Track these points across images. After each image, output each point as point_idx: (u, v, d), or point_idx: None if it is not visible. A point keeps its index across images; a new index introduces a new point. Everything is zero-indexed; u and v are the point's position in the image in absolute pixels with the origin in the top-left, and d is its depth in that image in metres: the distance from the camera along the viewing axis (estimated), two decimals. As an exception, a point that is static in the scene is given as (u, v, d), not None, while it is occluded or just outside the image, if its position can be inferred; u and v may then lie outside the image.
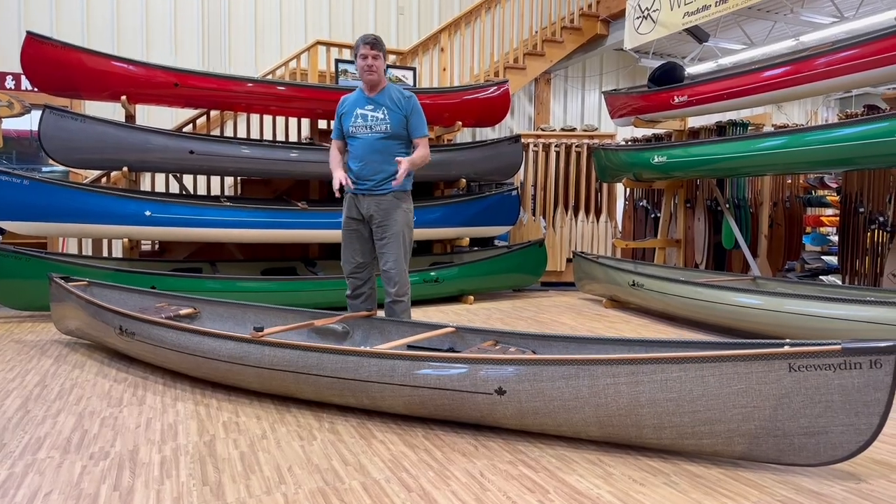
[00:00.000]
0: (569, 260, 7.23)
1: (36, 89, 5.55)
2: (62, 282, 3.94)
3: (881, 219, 5.43)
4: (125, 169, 5.43)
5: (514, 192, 6.59)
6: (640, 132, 7.97)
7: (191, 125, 6.83)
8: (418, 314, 5.05)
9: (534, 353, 2.90)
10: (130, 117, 5.83)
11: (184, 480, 2.10)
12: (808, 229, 8.14)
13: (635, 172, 6.15)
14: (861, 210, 5.67)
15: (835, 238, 7.85)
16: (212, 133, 6.92)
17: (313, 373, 2.70)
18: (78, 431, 2.53)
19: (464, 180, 6.70)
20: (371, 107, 3.59)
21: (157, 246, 6.61)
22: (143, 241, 6.20)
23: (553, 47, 8.67)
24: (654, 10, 6.94)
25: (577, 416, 2.30)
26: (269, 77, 7.16)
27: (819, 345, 2.04)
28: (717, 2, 6.18)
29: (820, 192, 7.79)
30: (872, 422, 1.98)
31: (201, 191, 6.79)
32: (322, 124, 7.12)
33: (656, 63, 7.88)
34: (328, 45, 7.45)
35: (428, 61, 8.01)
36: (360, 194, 3.62)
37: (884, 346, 1.95)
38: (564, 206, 7.31)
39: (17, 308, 4.86)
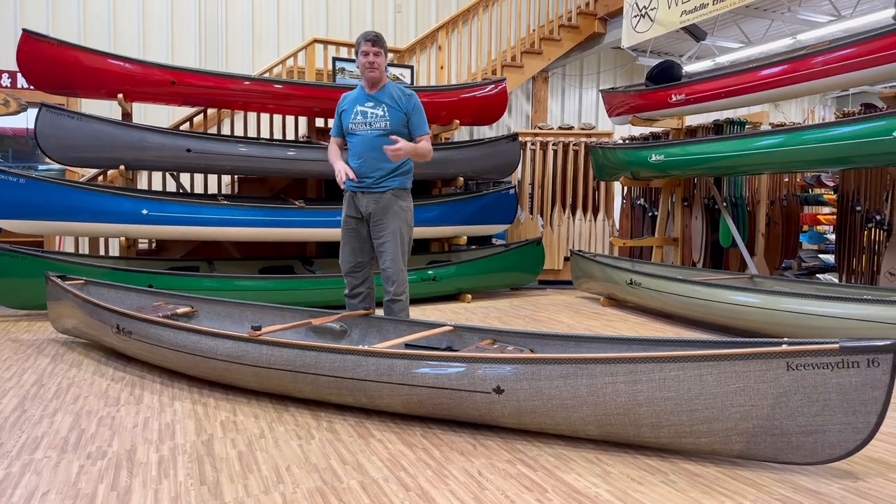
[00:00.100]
0: (566, 258, 7.23)
1: (32, 87, 5.53)
2: (59, 280, 3.93)
3: (878, 217, 5.45)
4: (122, 167, 5.41)
5: (512, 191, 6.59)
6: (638, 130, 7.97)
7: (188, 123, 6.81)
8: (416, 313, 5.05)
9: (532, 351, 2.91)
10: (127, 115, 5.81)
11: (181, 480, 2.09)
12: (805, 228, 8.16)
13: (633, 171, 6.16)
14: (858, 208, 5.68)
15: (832, 236, 7.87)
16: (209, 131, 6.90)
17: (311, 372, 2.70)
18: (75, 431, 2.53)
19: (461, 179, 6.69)
20: (371, 104, 3.58)
21: (154, 244, 6.59)
22: (140, 240, 6.18)
23: (551, 45, 8.67)
24: (652, 9, 6.94)
25: (576, 414, 2.30)
26: (267, 75, 7.15)
27: (817, 343, 2.04)
28: (714, 0, 6.17)
29: (817, 191, 7.81)
30: (870, 420, 1.99)
31: (198, 189, 6.78)
32: (319, 122, 7.10)
33: (654, 61, 7.89)
34: (325, 43, 7.43)
35: (425, 59, 8.00)
36: (359, 192, 3.61)
37: (881, 344, 1.95)
38: (562, 205, 7.32)
39: (14, 307, 4.85)
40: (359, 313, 3.57)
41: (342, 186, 3.58)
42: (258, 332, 2.88)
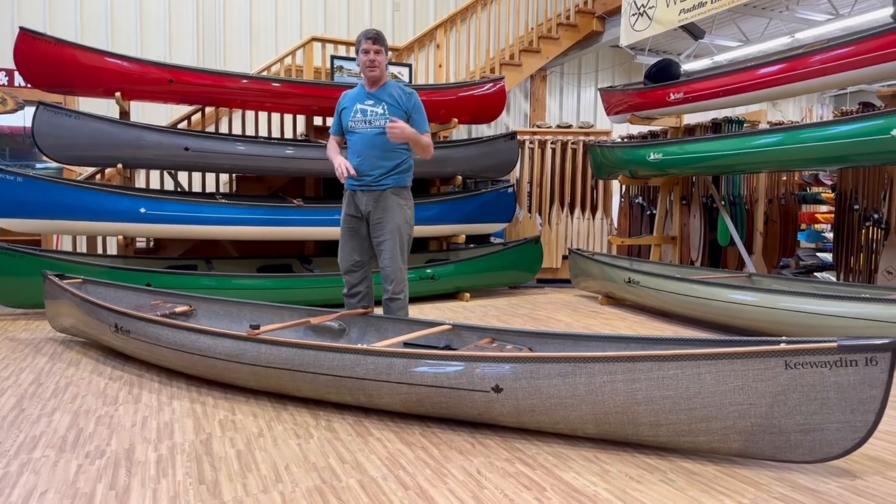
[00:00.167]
0: (565, 257, 7.23)
1: (29, 85, 5.51)
2: (57, 279, 3.92)
3: (876, 216, 5.46)
4: (120, 166, 5.40)
5: (510, 190, 6.59)
6: (636, 129, 7.98)
7: (186, 122, 6.80)
8: (414, 311, 5.04)
9: (530, 350, 2.91)
10: (125, 114, 5.79)
11: (180, 479, 2.09)
12: (803, 226, 8.18)
13: (631, 169, 6.16)
14: (856, 207, 5.69)
15: (829, 235, 7.88)
16: (207, 130, 6.89)
17: (310, 371, 2.69)
18: (73, 430, 2.52)
19: (460, 177, 6.69)
20: (371, 102, 3.57)
21: (151, 243, 6.58)
22: (137, 239, 6.18)
23: (549, 44, 8.66)
24: (650, 7, 6.94)
25: (574, 413, 2.30)
26: (265, 74, 7.14)
27: (815, 342, 2.05)
28: (712, -1, 6.17)
29: (815, 190, 7.82)
30: (868, 419, 1.99)
31: (196, 188, 6.77)
32: (317, 121, 7.10)
33: (652, 60, 7.88)
34: (323, 41, 7.42)
35: (424, 58, 7.99)
36: (359, 190, 3.60)
37: (879, 343, 1.95)
38: (560, 203, 7.32)
39: (12, 306, 4.84)
40: (357, 312, 3.57)
41: (342, 181, 3.57)
42: (256, 331, 2.88)
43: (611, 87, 7.13)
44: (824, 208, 8.49)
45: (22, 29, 5.16)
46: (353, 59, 7.24)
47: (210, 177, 6.82)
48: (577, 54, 9.72)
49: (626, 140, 7.78)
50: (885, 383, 1.96)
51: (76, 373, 3.34)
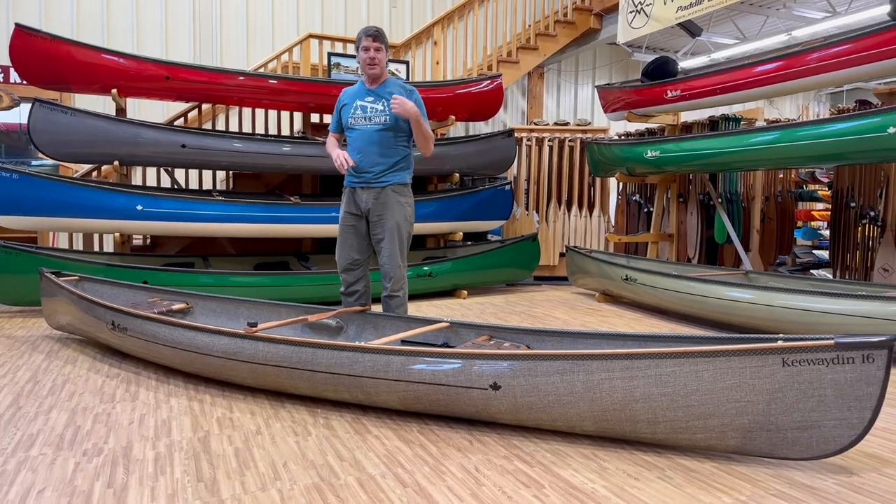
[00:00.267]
0: (562, 254, 7.24)
1: (25, 82, 5.49)
2: (53, 276, 3.91)
3: (872, 213, 5.47)
4: (116, 163, 5.38)
5: (508, 187, 6.59)
6: (634, 126, 7.98)
7: (182, 119, 6.78)
8: (412, 309, 5.03)
9: (528, 348, 2.91)
10: (121, 111, 5.78)
11: (178, 477, 2.09)
12: (800, 224, 8.20)
13: (628, 167, 6.16)
14: (852, 205, 5.71)
15: (826, 232, 7.90)
16: (204, 127, 6.88)
17: (308, 368, 2.69)
18: (70, 428, 2.52)
19: (457, 175, 6.69)
20: (371, 98, 3.57)
21: (148, 240, 6.57)
22: (134, 236, 6.16)
23: (546, 41, 8.66)
24: (648, 5, 6.94)
25: (572, 410, 2.31)
26: (262, 70, 7.12)
27: (812, 339, 2.05)
28: (710, -4, 6.18)
29: (811, 187, 7.83)
30: (864, 416, 2.00)
31: (193, 185, 6.75)
32: (315, 118, 7.08)
33: (649, 57, 7.89)
34: (320, 38, 7.41)
35: (421, 55, 7.98)
36: (359, 187, 3.60)
37: (876, 340, 1.96)
38: (557, 201, 7.32)
39: (8, 303, 4.83)
40: (355, 310, 3.57)
41: (342, 172, 3.56)
42: (254, 329, 2.87)
43: (608, 84, 7.13)
44: (821, 206, 8.50)
45: (17, 25, 5.14)
46: (351, 56, 7.23)
47: (207, 174, 6.80)
48: (574, 51, 9.72)
49: (623, 137, 7.79)
50: (881, 380, 1.97)
51: (73, 370, 3.33)
